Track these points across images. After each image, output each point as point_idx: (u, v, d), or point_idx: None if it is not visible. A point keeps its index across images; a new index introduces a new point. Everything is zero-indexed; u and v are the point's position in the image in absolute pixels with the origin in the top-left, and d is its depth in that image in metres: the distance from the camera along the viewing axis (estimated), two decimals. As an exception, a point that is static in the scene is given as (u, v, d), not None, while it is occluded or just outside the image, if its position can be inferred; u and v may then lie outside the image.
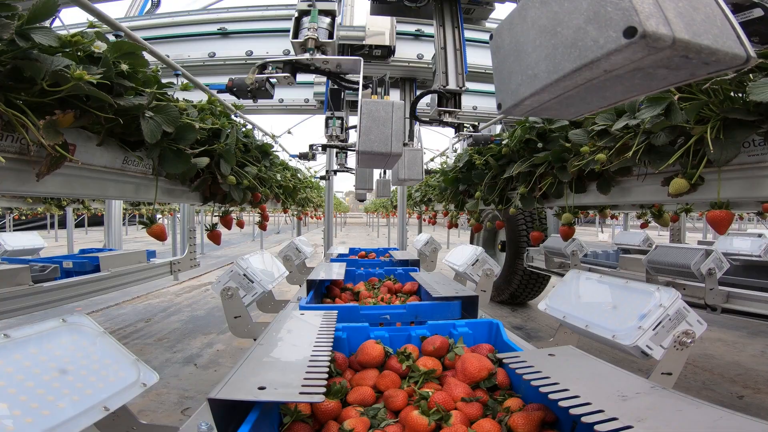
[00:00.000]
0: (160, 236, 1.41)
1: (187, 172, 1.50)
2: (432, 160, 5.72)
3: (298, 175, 4.00)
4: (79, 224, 14.93)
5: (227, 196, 1.91)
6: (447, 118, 1.66)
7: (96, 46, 1.06)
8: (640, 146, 1.25)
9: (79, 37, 1.03)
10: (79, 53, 1.04)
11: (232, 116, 2.15)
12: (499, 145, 2.32)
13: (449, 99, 1.64)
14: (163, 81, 1.47)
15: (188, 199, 1.90)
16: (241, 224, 2.41)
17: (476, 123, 2.40)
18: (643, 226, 4.38)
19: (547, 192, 1.91)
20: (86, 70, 0.92)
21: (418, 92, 2.84)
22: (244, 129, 2.27)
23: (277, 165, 2.94)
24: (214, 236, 2.06)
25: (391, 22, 2.24)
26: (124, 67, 1.13)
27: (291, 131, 3.57)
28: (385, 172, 3.47)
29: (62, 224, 14.09)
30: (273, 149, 2.65)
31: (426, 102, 4.08)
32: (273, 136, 3.10)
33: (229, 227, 2.15)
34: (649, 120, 1.17)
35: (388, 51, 2.23)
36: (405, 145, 2.13)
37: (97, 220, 14.28)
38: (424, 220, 7.11)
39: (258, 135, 2.89)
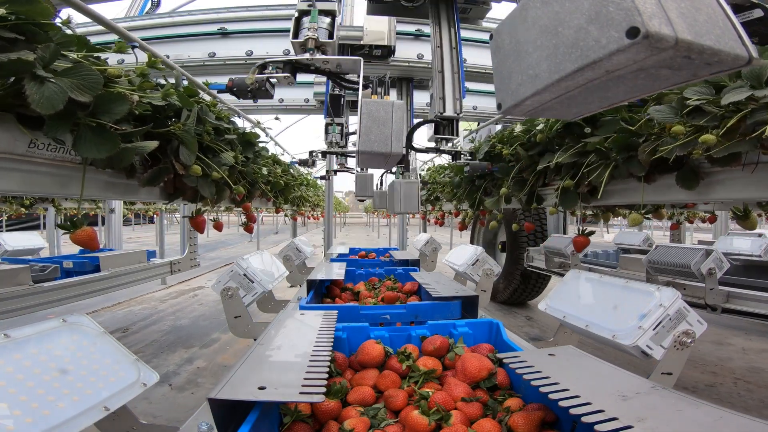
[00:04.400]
0: (89, 244, 1.07)
1: (119, 158, 1.08)
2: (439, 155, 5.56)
3: (291, 170, 3.55)
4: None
5: (198, 192, 1.60)
6: (444, 146, 1.66)
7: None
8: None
9: None
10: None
11: (203, 95, 1.75)
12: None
13: (446, 126, 1.64)
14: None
15: (141, 195, 1.52)
16: (219, 226, 2.04)
17: (475, 151, 2.24)
18: (674, 227, 4.11)
19: (597, 187, 1.55)
20: None
21: (416, 121, 2.82)
22: (214, 109, 1.84)
23: (265, 158, 2.47)
24: (198, 223, 1.74)
25: (390, 22, 2.24)
26: (1, 11, 0.83)
27: (279, 117, 3.25)
28: (381, 183, 3.40)
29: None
30: (259, 140, 2.23)
31: (426, 102, 4.08)
32: (258, 123, 2.72)
33: (200, 230, 1.80)
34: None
35: (389, 51, 2.22)
36: (401, 175, 2.14)
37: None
38: (429, 221, 6.47)
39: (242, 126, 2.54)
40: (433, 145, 1.76)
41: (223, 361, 2.72)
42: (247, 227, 2.43)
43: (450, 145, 1.69)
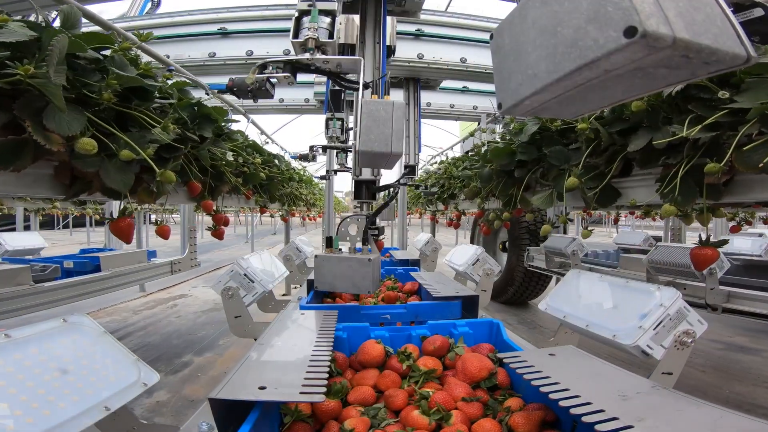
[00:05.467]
0: None
1: None
2: (451, 148, 4.81)
3: (276, 161, 2.90)
4: (67, 225, 14.66)
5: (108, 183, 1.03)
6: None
7: None
8: None
9: None
10: None
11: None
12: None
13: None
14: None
15: (6, 187, 0.98)
16: (163, 232, 1.43)
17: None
18: (735, 229, 3.70)
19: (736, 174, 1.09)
20: None
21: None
22: (145, 65, 1.20)
23: (235, 142, 1.89)
24: (120, 229, 1.12)
25: (392, 22, 2.23)
26: None
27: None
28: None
29: (49, 225, 13.82)
30: (227, 119, 1.71)
31: (426, 102, 4.08)
32: (217, 94, 2.15)
33: (126, 238, 1.15)
34: None
35: (389, 51, 2.21)
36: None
37: (79, 221, 13.70)
38: (436, 221, 5.44)
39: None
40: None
41: (191, 394, 2.16)
42: (216, 232, 1.81)
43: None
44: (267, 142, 2.89)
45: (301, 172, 4.53)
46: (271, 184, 2.70)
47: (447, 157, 4.12)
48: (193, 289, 5.04)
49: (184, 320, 3.62)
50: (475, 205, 2.59)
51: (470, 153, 2.93)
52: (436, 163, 4.27)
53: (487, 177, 2.10)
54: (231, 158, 1.62)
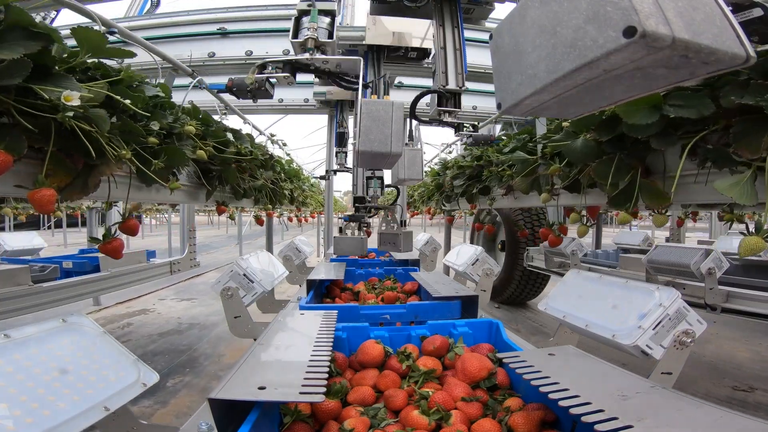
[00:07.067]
0: None
1: None
2: (462, 139, 3.45)
3: (230, 135, 1.99)
4: (51, 227, 14.38)
5: None
6: (447, 118, 1.66)
7: None
8: None
9: None
10: None
11: None
12: (499, 145, 2.02)
13: (449, 99, 1.64)
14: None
15: None
16: None
17: (476, 123, 1.96)
18: None
19: None
20: None
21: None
22: None
23: (114, 78, 1.09)
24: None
25: (428, 25, 2.22)
26: None
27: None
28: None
29: (34, 226, 13.60)
30: (118, 50, 1.05)
31: (426, 102, 4.08)
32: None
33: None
34: None
35: (424, 53, 2.20)
36: (405, 144, 2.11)
37: (70, 222, 13.41)
38: (452, 223, 4.60)
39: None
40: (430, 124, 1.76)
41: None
42: (107, 245, 1.11)
43: (452, 117, 1.66)
44: (225, 113, 2.09)
45: (285, 163, 3.61)
46: (228, 171, 1.86)
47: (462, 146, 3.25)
48: (159, 303, 4.15)
49: (132, 347, 2.69)
50: (535, 201, 1.83)
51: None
52: (454, 149, 3.54)
53: (583, 152, 1.27)
54: (77, 102, 0.82)
